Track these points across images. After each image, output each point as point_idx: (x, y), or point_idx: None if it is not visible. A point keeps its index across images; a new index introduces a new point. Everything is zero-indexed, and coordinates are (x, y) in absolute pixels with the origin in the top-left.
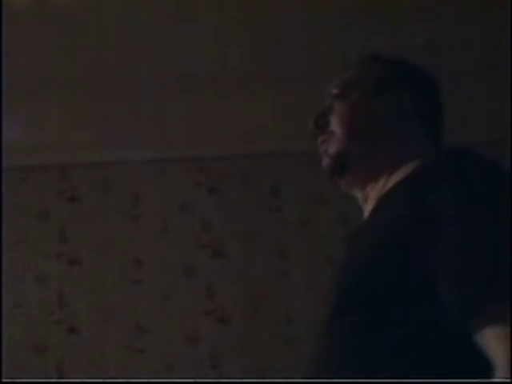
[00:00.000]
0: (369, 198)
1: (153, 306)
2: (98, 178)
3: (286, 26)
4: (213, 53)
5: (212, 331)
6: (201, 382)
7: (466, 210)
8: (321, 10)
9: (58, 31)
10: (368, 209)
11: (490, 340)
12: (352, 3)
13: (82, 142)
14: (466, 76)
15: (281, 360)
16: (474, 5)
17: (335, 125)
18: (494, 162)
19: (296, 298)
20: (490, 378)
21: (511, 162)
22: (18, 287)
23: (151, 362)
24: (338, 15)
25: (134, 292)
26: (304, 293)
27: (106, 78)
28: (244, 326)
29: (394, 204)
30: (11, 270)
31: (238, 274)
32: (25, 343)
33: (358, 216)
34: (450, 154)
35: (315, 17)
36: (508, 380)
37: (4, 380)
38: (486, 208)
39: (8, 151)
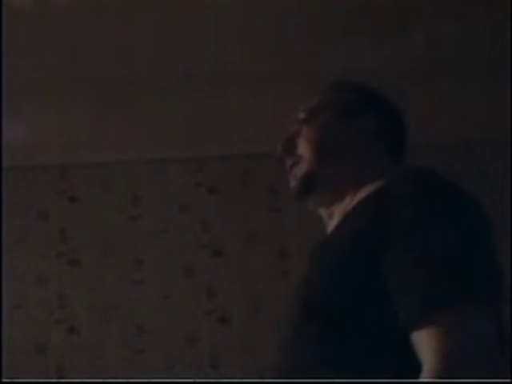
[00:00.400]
0: (334, 216)
1: (153, 306)
2: (98, 178)
3: (286, 26)
4: (213, 53)
5: (212, 331)
6: (201, 382)
7: (419, 226)
8: (320, 9)
9: (58, 31)
10: (332, 226)
11: (420, 339)
12: (352, 3)
13: (82, 142)
14: (467, 76)
15: None
16: (474, 5)
17: (303, 148)
18: (453, 181)
19: None
20: None
21: (511, 162)
22: (18, 287)
23: (151, 362)
24: (338, 15)
25: (134, 292)
26: None
27: (106, 78)
28: (244, 326)
29: (356, 221)
30: (11, 270)
31: (237, 274)
32: (25, 343)
33: None
34: (409, 174)
35: (315, 17)
36: (508, 380)
37: (4, 380)
38: (437, 225)
39: (8, 151)
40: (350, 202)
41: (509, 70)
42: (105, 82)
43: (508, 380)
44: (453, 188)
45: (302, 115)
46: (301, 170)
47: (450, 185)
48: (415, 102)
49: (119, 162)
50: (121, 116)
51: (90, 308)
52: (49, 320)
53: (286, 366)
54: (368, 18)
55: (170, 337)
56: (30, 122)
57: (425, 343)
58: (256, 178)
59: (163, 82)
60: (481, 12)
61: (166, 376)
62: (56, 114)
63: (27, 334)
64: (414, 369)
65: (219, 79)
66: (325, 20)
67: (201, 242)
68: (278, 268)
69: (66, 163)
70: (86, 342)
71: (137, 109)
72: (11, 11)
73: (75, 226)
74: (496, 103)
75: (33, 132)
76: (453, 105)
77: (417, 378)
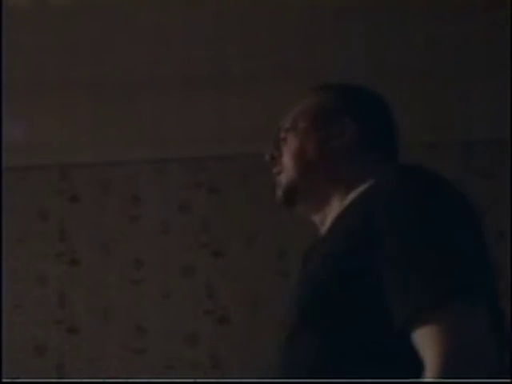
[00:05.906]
0: (326, 221)
1: (153, 305)
2: (98, 178)
3: (286, 26)
4: (213, 53)
5: (212, 331)
6: (201, 382)
7: (412, 223)
8: (320, 9)
9: (58, 31)
10: (324, 230)
11: (421, 339)
12: (352, 3)
13: (82, 142)
14: (467, 76)
15: None
16: (474, 5)
17: (286, 157)
18: (442, 177)
19: None
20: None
21: (511, 162)
22: (18, 287)
23: (151, 362)
24: (338, 15)
25: (134, 292)
26: None
27: (106, 77)
28: (244, 326)
29: (347, 222)
30: (11, 270)
31: (237, 273)
32: (25, 343)
33: None
34: (398, 171)
35: (314, 16)
36: (508, 380)
37: (4, 380)
38: (430, 221)
39: (8, 151)
40: (339, 206)
41: (509, 70)
42: (105, 81)
43: (508, 380)
44: (442, 183)
45: (286, 124)
46: (284, 179)
47: (439, 180)
48: (415, 102)
49: (119, 162)
50: (121, 116)
51: (90, 308)
52: (49, 320)
53: (282, 368)
54: (368, 18)
55: (170, 337)
56: (29, 122)
57: (425, 342)
58: (256, 178)
59: (163, 82)
60: (481, 12)
61: (165, 376)
62: (56, 114)
63: (27, 334)
64: (413, 368)
65: (219, 79)
66: (324, 20)
67: (201, 242)
68: (278, 268)
69: (66, 163)
70: (86, 342)
71: (137, 109)
72: (11, 11)
73: (75, 226)
74: (496, 103)
75: (33, 132)
76: (453, 105)
77: (417, 376)
